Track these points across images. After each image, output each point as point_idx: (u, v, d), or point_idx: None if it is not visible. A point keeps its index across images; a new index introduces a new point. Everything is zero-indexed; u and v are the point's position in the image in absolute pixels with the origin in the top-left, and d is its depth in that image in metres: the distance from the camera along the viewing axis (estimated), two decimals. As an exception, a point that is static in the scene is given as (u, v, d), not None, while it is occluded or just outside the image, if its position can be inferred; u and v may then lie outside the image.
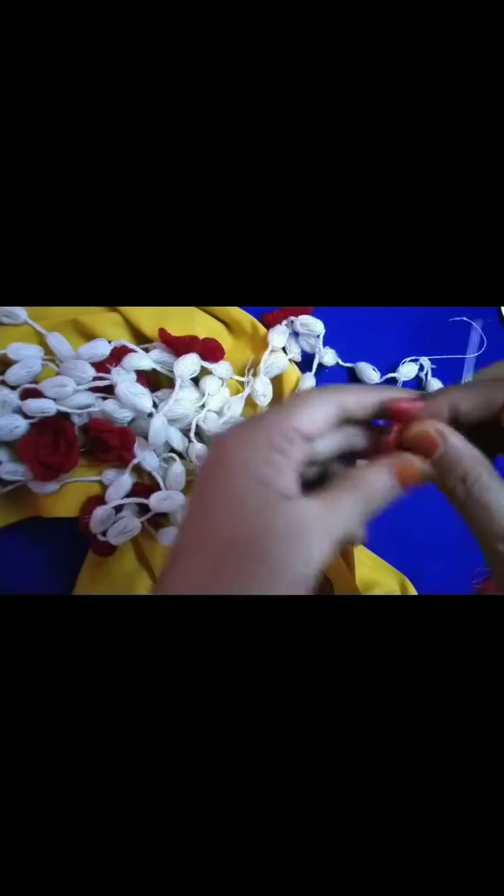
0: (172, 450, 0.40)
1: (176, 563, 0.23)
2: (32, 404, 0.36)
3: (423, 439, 0.24)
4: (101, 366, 0.38)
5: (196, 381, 0.41)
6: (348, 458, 0.27)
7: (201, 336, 0.40)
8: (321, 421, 0.24)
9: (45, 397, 0.37)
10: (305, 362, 0.45)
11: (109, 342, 0.39)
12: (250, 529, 0.22)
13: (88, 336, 0.40)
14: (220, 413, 0.41)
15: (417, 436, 0.25)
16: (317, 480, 0.28)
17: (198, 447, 0.40)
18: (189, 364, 0.39)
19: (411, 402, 0.25)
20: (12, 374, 0.37)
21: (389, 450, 0.25)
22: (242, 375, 0.43)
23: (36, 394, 0.37)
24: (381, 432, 0.26)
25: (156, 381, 0.41)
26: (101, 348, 0.39)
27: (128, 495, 0.38)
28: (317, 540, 0.22)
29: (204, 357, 0.40)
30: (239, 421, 0.24)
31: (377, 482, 0.24)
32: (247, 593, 0.21)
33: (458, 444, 0.24)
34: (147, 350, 0.40)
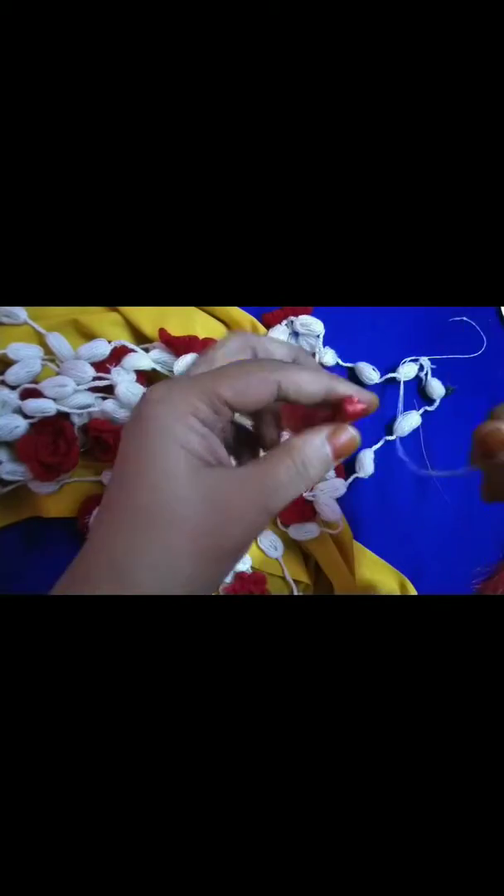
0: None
1: (95, 533, 0.22)
2: (32, 404, 0.36)
3: (492, 434, 0.25)
4: (101, 366, 0.38)
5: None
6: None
7: (201, 336, 0.40)
8: (253, 397, 0.22)
9: (45, 397, 0.37)
10: (305, 362, 0.45)
11: (109, 342, 0.39)
12: (170, 497, 0.21)
13: (88, 336, 0.40)
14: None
15: (487, 430, 0.25)
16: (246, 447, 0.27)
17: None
18: (189, 364, 0.39)
19: (361, 407, 0.24)
20: (12, 374, 0.37)
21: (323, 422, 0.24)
22: (242, 375, 0.43)
23: (36, 394, 0.37)
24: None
25: (156, 381, 0.41)
26: (101, 348, 0.39)
27: (128, 495, 0.38)
28: (245, 510, 0.21)
29: (204, 357, 0.40)
30: (165, 381, 0.24)
31: (313, 451, 0.23)
32: (166, 566, 0.21)
33: None
34: (147, 350, 0.40)
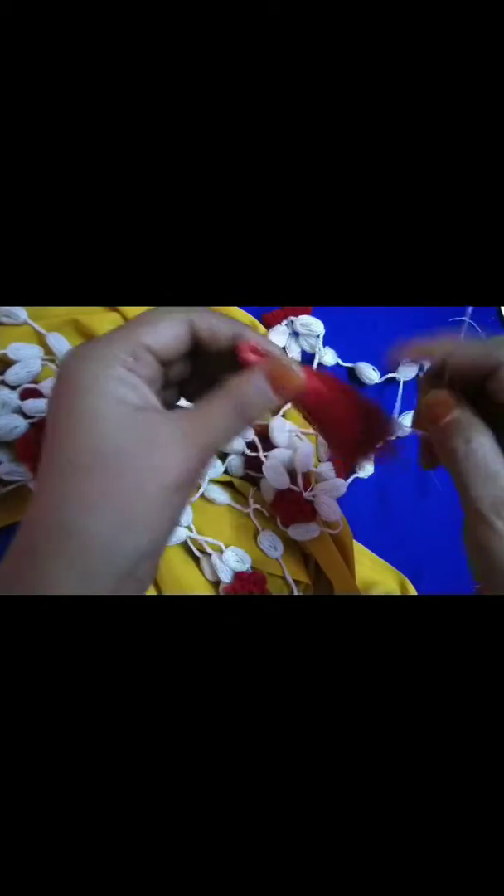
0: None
1: (35, 494, 0.23)
2: (32, 404, 0.36)
3: (441, 403, 0.26)
4: (101, 366, 0.38)
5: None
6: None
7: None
8: (170, 338, 0.23)
9: (45, 397, 0.37)
10: (305, 362, 0.45)
11: (109, 342, 0.39)
12: (103, 445, 0.21)
13: (88, 336, 0.40)
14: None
15: (437, 401, 0.26)
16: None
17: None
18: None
19: (260, 356, 0.24)
20: (12, 374, 0.37)
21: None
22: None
23: (36, 394, 0.37)
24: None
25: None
26: (101, 348, 0.39)
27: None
28: (179, 448, 0.22)
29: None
30: (87, 341, 0.24)
31: (250, 387, 0.24)
32: (115, 515, 0.21)
33: (467, 411, 0.25)
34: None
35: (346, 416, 0.27)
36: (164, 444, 0.22)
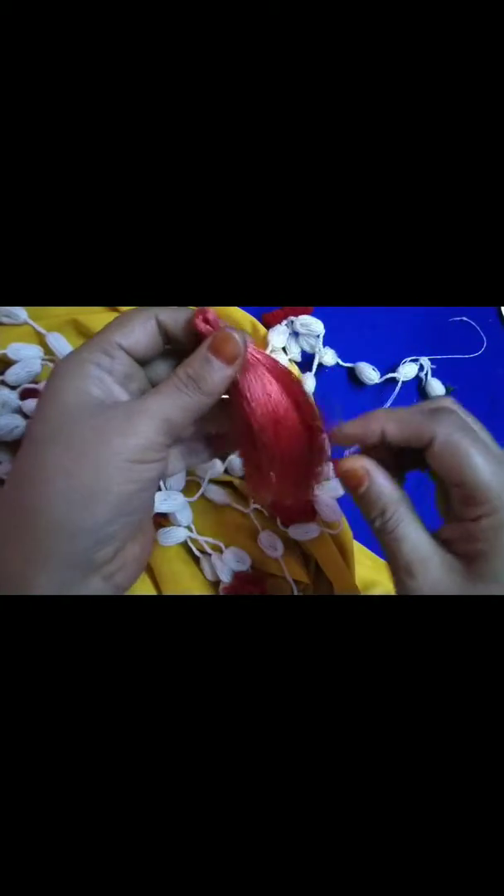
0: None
1: (8, 482, 0.24)
2: (32, 404, 0.36)
3: (352, 475, 0.27)
4: (101, 366, 0.38)
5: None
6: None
7: (201, 336, 0.40)
8: (139, 333, 0.26)
9: (45, 397, 0.37)
10: (305, 362, 0.45)
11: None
12: (64, 426, 0.23)
13: (88, 336, 0.40)
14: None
15: (347, 471, 0.27)
16: None
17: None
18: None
19: (212, 326, 0.26)
20: (12, 374, 0.37)
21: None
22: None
23: (36, 394, 0.37)
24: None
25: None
26: (101, 348, 0.39)
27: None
28: (135, 424, 0.23)
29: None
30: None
31: (196, 358, 0.25)
32: (62, 486, 0.22)
33: (382, 483, 0.26)
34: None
35: (290, 427, 0.27)
36: (119, 417, 0.23)
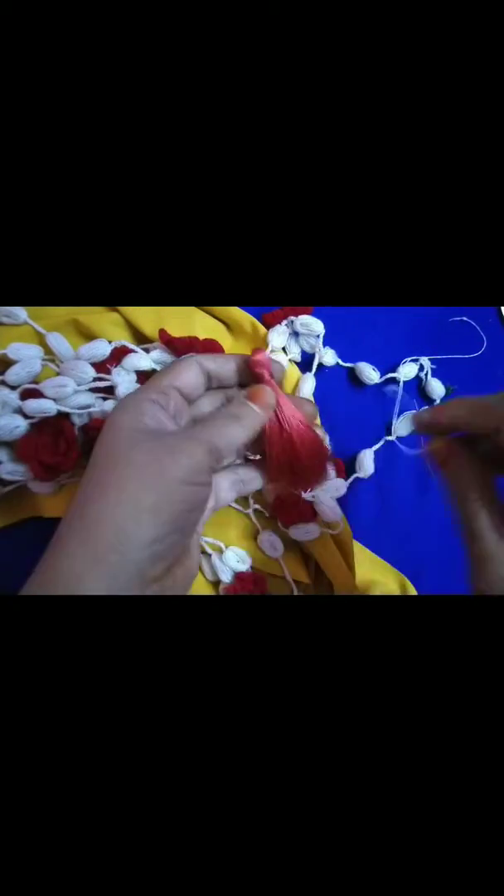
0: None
1: (68, 513, 0.26)
2: (32, 404, 0.36)
3: (438, 450, 0.29)
4: (102, 366, 0.38)
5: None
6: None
7: (201, 336, 0.40)
8: (188, 377, 0.31)
9: (45, 397, 0.37)
10: (305, 362, 0.45)
11: (109, 342, 0.39)
12: (120, 450, 0.26)
13: (88, 336, 0.40)
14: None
15: (433, 450, 0.29)
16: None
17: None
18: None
19: (264, 367, 0.32)
20: (12, 374, 0.37)
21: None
22: (242, 375, 0.43)
23: (36, 394, 0.37)
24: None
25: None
26: (101, 348, 0.39)
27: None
28: (185, 447, 0.26)
29: (204, 357, 0.40)
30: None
31: (237, 404, 0.31)
32: (118, 500, 0.24)
33: (455, 468, 0.28)
34: (147, 350, 0.40)
35: (300, 452, 0.34)
36: (170, 441, 0.27)
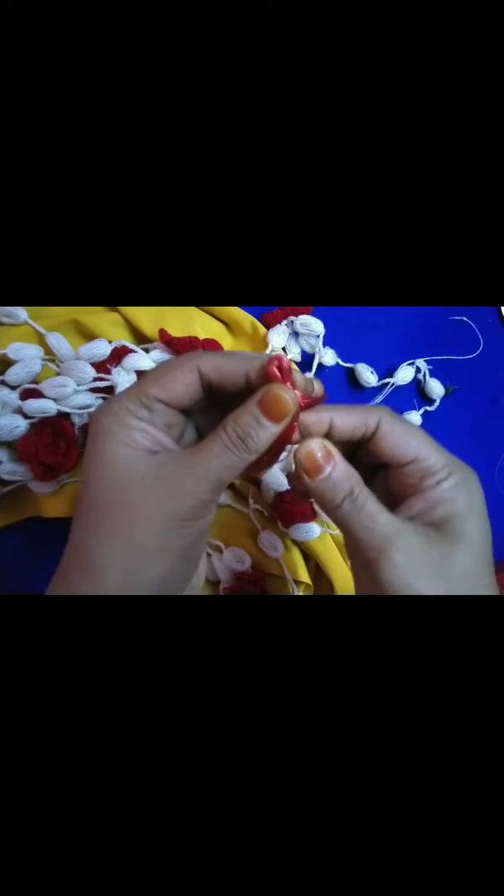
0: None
1: (70, 535, 0.25)
2: (32, 404, 0.36)
3: (311, 459, 0.25)
4: (102, 366, 0.38)
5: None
6: None
7: (201, 336, 0.40)
8: (179, 387, 0.25)
9: (45, 397, 0.37)
10: (305, 362, 0.45)
11: (109, 342, 0.39)
12: (115, 483, 0.24)
13: (88, 336, 0.40)
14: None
15: (308, 454, 0.25)
16: None
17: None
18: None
19: (282, 371, 0.25)
20: (12, 374, 0.37)
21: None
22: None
23: (36, 394, 0.37)
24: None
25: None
26: (102, 348, 0.39)
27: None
28: (185, 482, 0.24)
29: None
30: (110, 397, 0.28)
31: (244, 417, 0.24)
32: (128, 548, 0.23)
33: (344, 463, 0.26)
34: (147, 350, 0.40)
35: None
36: (171, 479, 0.24)
